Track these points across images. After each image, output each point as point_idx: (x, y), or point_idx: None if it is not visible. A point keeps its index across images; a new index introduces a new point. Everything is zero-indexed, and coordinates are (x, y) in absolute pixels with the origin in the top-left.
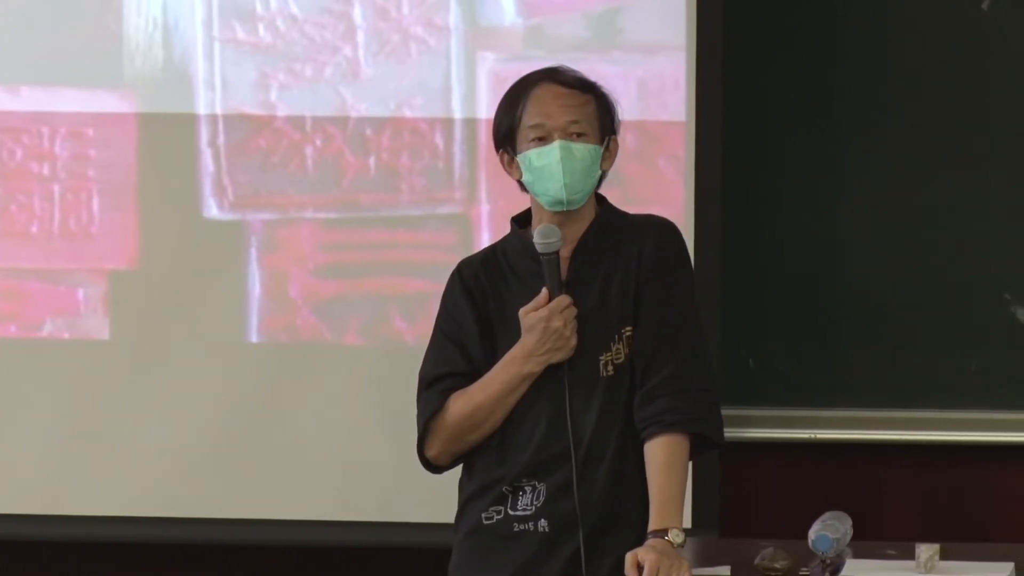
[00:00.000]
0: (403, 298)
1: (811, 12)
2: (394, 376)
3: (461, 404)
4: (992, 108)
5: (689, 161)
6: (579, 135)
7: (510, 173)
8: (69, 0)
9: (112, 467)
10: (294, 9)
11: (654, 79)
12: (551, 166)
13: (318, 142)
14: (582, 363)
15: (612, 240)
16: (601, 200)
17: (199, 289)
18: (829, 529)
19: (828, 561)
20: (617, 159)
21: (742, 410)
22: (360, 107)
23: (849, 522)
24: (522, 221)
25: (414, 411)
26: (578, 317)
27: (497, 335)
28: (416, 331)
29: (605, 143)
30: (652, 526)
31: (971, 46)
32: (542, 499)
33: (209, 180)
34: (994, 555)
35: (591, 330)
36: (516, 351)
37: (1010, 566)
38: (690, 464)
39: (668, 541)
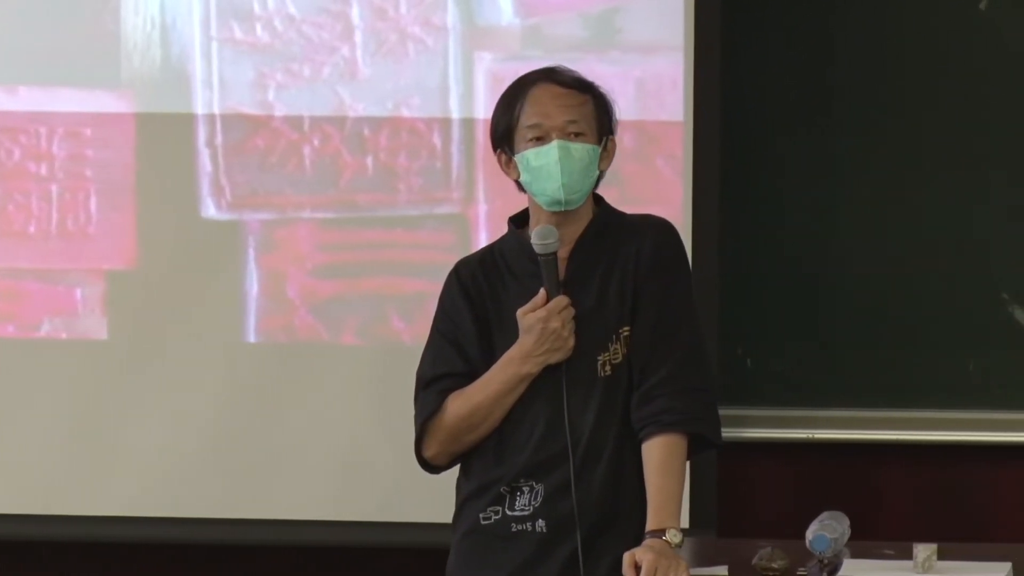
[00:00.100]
0: (401, 298)
1: (809, 12)
2: (392, 376)
3: (459, 405)
4: (990, 108)
5: (687, 161)
6: (577, 135)
7: (507, 173)
8: (67, 0)
9: (110, 467)
10: (292, 9)
11: (652, 79)
12: (549, 166)
13: (316, 142)
14: (580, 363)
15: (610, 240)
16: (598, 200)
17: (197, 289)
18: (827, 529)
19: (826, 561)
20: (615, 159)
21: (740, 410)
22: (358, 107)
23: (847, 522)
24: (519, 221)
25: (412, 411)
26: (576, 317)
27: (495, 335)
28: (414, 331)
29: (603, 143)
30: (650, 526)
31: (969, 46)
32: (540, 499)
33: (207, 180)
34: (992, 555)
35: (589, 330)
36: (514, 351)
37: (1008, 566)
38: (688, 464)
39: (666, 541)
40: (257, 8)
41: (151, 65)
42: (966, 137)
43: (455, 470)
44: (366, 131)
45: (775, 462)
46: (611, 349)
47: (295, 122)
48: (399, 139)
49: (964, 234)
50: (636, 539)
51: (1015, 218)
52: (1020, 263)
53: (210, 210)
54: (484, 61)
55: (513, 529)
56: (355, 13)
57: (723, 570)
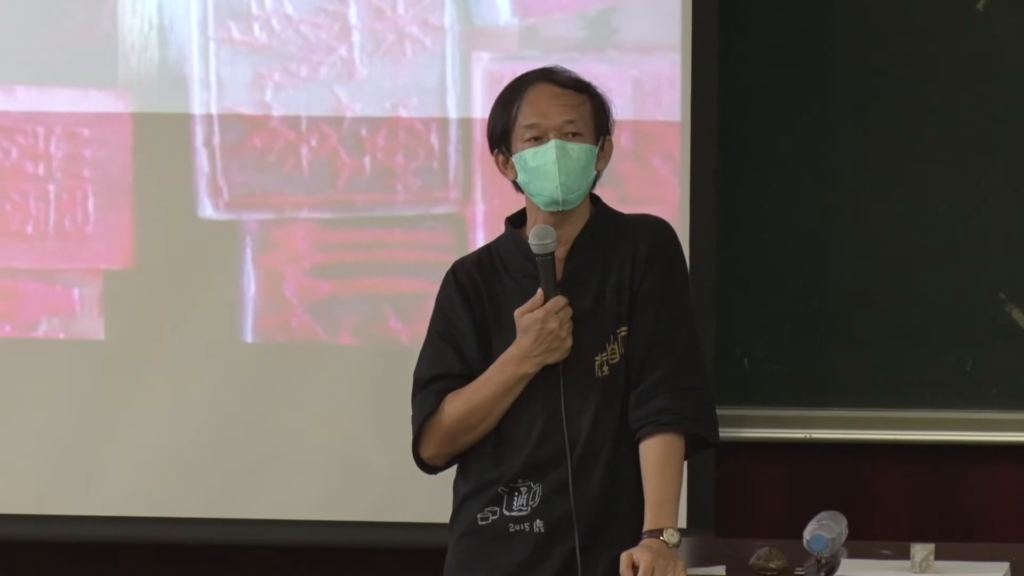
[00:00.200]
0: (398, 298)
1: (806, 12)
2: (389, 376)
3: (456, 405)
4: (988, 108)
5: (684, 161)
6: (575, 135)
7: (505, 173)
8: (64, 0)
9: (107, 467)
10: (289, 9)
11: (649, 79)
12: (547, 166)
13: (313, 142)
14: (577, 364)
15: (607, 240)
16: (595, 200)
17: (194, 289)
18: (824, 529)
19: (823, 561)
20: (612, 159)
21: (737, 410)
22: (355, 107)
23: (844, 522)
24: (516, 221)
25: (409, 411)
26: (573, 318)
27: (492, 336)
28: (411, 331)
29: (600, 143)
30: (647, 526)
31: (966, 46)
32: (538, 500)
33: (204, 180)
34: (989, 555)
35: (586, 330)
36: (512, 352)
37: (1005, 566)
38: (685, 464)
39: (663, 541)
40: (255, 8)
41: (149, 65)
42: (963, 137)
43: (452, 470)
44: (364, 131)
45: (773, 462)
46: (608, 349)
47: (292, 122)
48: (397, 139)
49: (961, 234)
50: (634, 539)
51: (1012, 217)
52: (1017, 263)
53: (207, 210)
54: (482, 61)
55: (511, 529)
56: (353, 13)
57: (721, 570)
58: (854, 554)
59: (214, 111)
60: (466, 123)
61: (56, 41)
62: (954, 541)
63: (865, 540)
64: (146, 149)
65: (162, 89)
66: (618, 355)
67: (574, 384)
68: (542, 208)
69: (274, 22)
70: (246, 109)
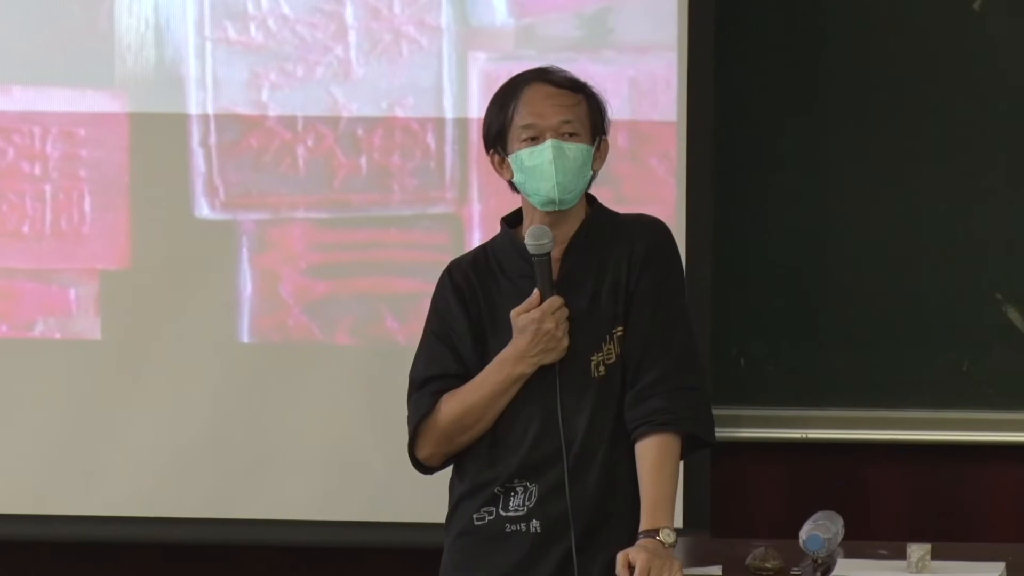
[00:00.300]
0: (394, 298)
1: (801, 12)
2: (385, 376)
3: (452, 405)
4: (985, 108)
5: (680, 161)
6: (571, 135)
7: (500, 173)
8: (61, 0)
9: (103, 467)
10: (285, 9)
11: (645, 79)
12: (543, 165)
13: (309, 142)
14: (573, 364)
15: (603, 240)
16: (591, 200)
17: (190, 289)
18: (820, 529)
19: (819, 561)
20: (609, 159)
21: (734, 410)
22: (351, 107)
23: (840, 522)
24: (512, 221)
25: (405, 411)
26: (569, 318)
27: (488, 336)
28: (407, 331)
29: (596, 143)
30: (643, 526)
31: (962, 47)
32: (534, 500)
33: (200, 180)
34: (985, 555)
35: (582, 331)
36: (508, 352)
37: (1001, 566)
38: (681, 464)
39: (659, 541)
40: (251, 8)
41: (145, 65)
42: (960, 138)
43: (448, 470)
44: (360, 131)
45: (769, 462)
46: (604, 349)
47: (289, 122)
48: (393, 139)
49: (958, 234)
50: (630, 539)
51: (1007, 217)
52: (1014, 263)
53: (204, 210)
54: (478, 61)
55: (507, 529)
56: (349, 13)
57: (717, 570)
58: (850, 554)
59: (210, 111)
60: (462, 123)
61: (52, 41)
62: (951, 541)
63: (861, 540)
64: (142, 149)
65: (158, 89)
66: (614, 355)
67: (570, 384)
68: (538, 208)
69: (270, 22)
70: (242, 109)
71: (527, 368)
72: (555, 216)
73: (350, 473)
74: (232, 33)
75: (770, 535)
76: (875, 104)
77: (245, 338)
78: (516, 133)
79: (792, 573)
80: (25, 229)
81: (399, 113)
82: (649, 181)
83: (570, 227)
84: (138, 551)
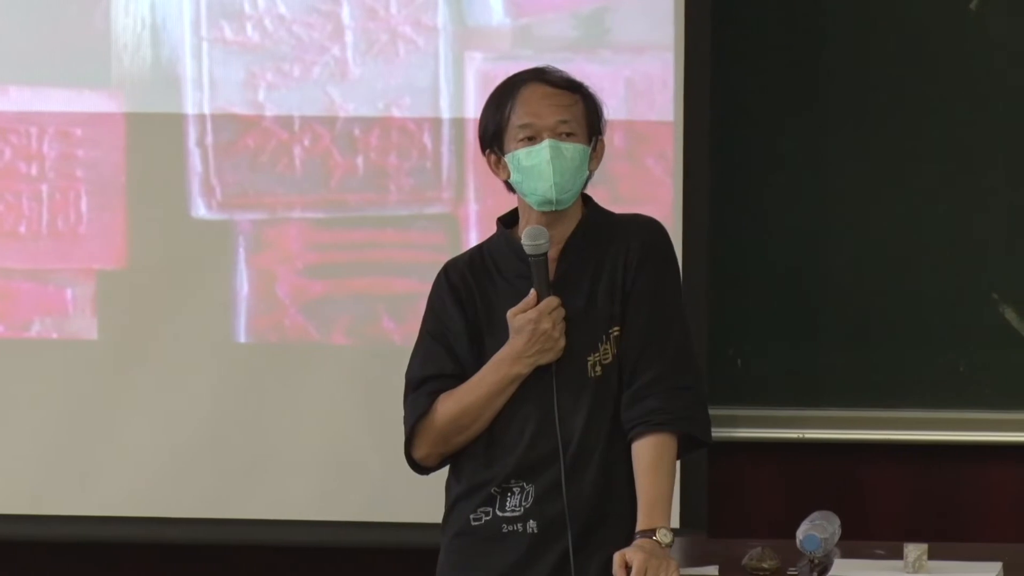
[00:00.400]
0: (391, 298)
1: (799, 12)
2: (382, 376)
3: (449, 406)
4: (982, 108)
5: (677, 161)
6: (568, 135)
7: (497, 173)
8: (57, 0)
9: (100, 467)
10: (282, 9)
11: (642, 79)
12: (540, 165)
13: (306, 142)
14: (570, 364)
15: (599, 240)
16: (587, 200)
17: (187, 289)
18: (817, 529)
19: (816, 561)
20: (605, 158)
21: (730, 410)
22: (348, 107)
23: (837, 522)
24: (508, 221)
25: (401, 411)
26: (566, 318)
27: (484, 336)
28: (404, 331)
29: (592, 143)
30: (640, 526)
31: (959, 46)
32: (531, 500)
33: (197, 180)
34: (982, 555)
35: (579, 331)
36: (505, 352)
37: (998, 566)
38: (678, 464)
39: (656, 541)
40: (247, 8)
41: (141, 65)
42: (957, 138)
43: (445, 470)
44: (356, 131)
45: (766, 462)
46: (601, 349)
47: (285, 122)
48: (389, 139)
49: (954, 234)
50: (627, 539)
51: (1004, 217)
52: (1011, 263)
53: (200, 210)
54: (475, 61)
55: (504, 530)
56: (345, 13)
57: (713, 570)
58: (847, 554)
59: (207, 111)
60: (459, 123)
61: (49, 41)
62: (948, 541)
63: (858, 540)
64: (139, 149)
65: (155, 89)
66: (611, 355)
67: (567, 384)
68: (535, 208)
69: (267, 22)
70: (239, 109)
71: (524, 368)
72: (551, 216)
73: (347, 473)
74: (228, 33)
75: (767, 535)
76: (873, 104)
77: (242, 338)
78: (513, 133)
79: (789, 573)
80: (22, 229)
81: (396, 113)
82: (646, 181)
83: (566, 227)
84: (135, 551)
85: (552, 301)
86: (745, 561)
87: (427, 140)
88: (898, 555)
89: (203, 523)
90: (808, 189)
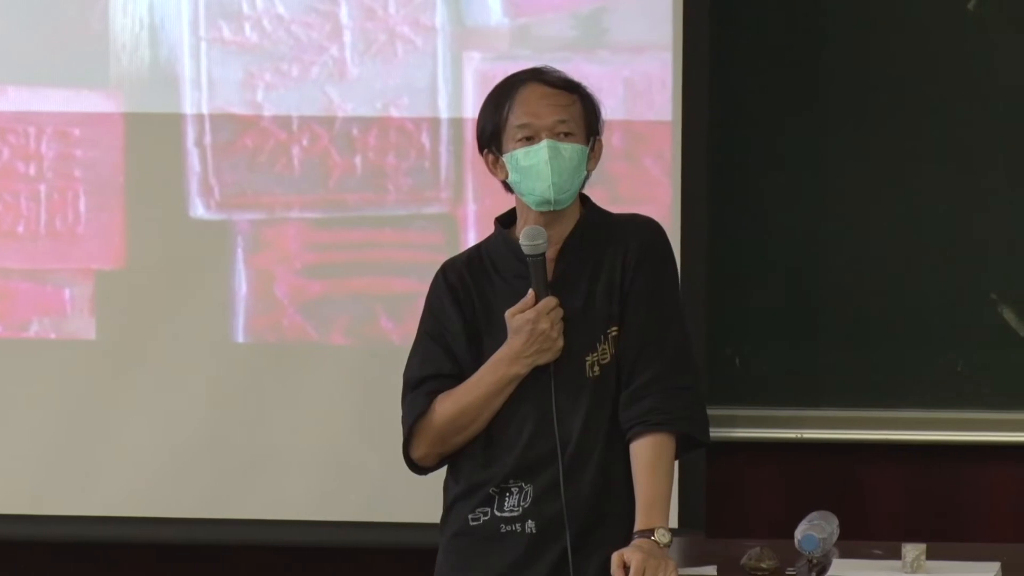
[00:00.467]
0: (389, 298)
1: (797, 13)
2: (380, 376)
3: (447, 406)
4: (980, 108)
5: (675, 161)
6: (566, 135)
7: (495, 173)
8: (56, 0)
9: (98, 467)
10: (280, 9)
11: (640, 79)
12: (539, 166)
13: (304, 142)
14: (568, 364)
15: (597, 240)
16: (585, 200)
17: (185, 289)
18: (816, 529)
19: (814, 561)
20: (604, 158)
21: (728, 410)
22: (346, 107)
23: (836, 522)
24: (506, 221)
25: (400, 411)
26: (564, 318)
27: (482, 336)
28: (402, 331)
29: (590, 143)
30: (638, 526)
31: (957, 46)
32: (529, 500)
33: (195, 180)
34: (980, 555)
35: (577, 331)
36: (503, 352)
37: (996, 566)
38: (676, 464)
39: (654, 541)
40: (246, 8)
41: (140, 65)
42: (955, 138)
43: (443, 470)
44: (355, 131)
45: (764, 462)
46: (599, 349)
47: (284, 122)
48: (388, 139)
49: (953, 234)
50: (625, 539)
51: (1002, 217)
52: (1009, 263)
53: (199, 210)
54: (473, 61)
55: (502, 530)
56: (344, 13)
57: (712, 570)
58: (845, 554)
59: (205, 111)
60: (457, 123)
61: (47, 41)
62: (947, 541)
63: (856, 540)
64: (137, 149)
65: (153, 89)
66: (609, 355)
67: (565, 384)
68: (533, 208)
69: (265, 22)
70: (237, 109)
71: (522, 368)
72: (549, 216)
73: (345, 473)
74: (227, 33)
75: (765, 535)
76: (870, 103)
77: (240, 338)
78: (511, 133)
79: (787, 573)
80: (20, 229)
81: (394, 113)
82: (644, 181)
83: (564, 227)
84: (133, 551)
85: (550, 301)
86: (743, 561)
87: (425, 140)
88: (896, 555)
89: (202, 523)
90: (807, 189)
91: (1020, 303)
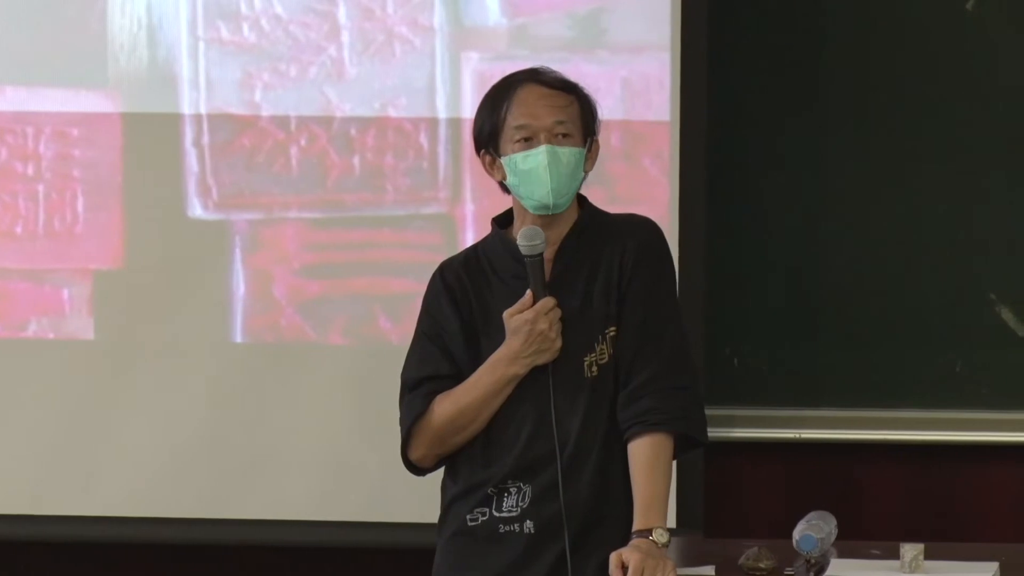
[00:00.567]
0: (387, 298)
1: (796, 12)
2: (378, 376)
3: (446, 407)
4: (977, 107)
5: (673, 161)
6: (565, 136)
7: (491, 174)
8: (54, 0)
9: (96, 467)
10: (278, 9)
11: (639, 79)
12: (538, 170)
13: (303, 142)
14: (566, 364)
15: (594, 241)
16: (582, 201)
17: (184, 289)
18: (814, 529)
19: (813, 561)
20: (602, 158)
21: (727, 410)
22: (345, 107)
23: (834, 522)
24: (502, 222)
25: (398, 411)
26: (562, 319)
27: (480, 337)
28: (400, 331)
29: (588, 144)
30: (636, 526)
31: (956, 46)
32: (527, 500)
33: (193, 180)
34: (979, 555)
35: (575, 331)
36: (501, 353)
37: (994, 566)
38: (674, 463)
39: (652, 541)
40: (244, 8)
41: (138, 65)
42: (953, 138)
43: (440, 470)
44: (353, 131)
45: (762, 462)
46: (597, 350)
47: (282, 122)
48: (386, 139)
49: (952, 234)
50: (624, 539)
51: (1000, 217)
52: (1008, 263)
53: (197, 210)
54: (471, 61)
55: (501, 530)
56: (342, 13)
57: (710, 570)
58: (844, 554)
59: (203, 111)
60: (455, 123)
61: (45, 41)
62: (946, 541)
63: (854, 540)
64: (135, 149)
65: (151, 89)
66: (607, 355)
67: (563, 385)
68: (532, 211)
69: (263, 22)
70: (235, 109)
71: (520, 369)
72: (547, 217)
73: (344, 473)
74: (225, 33)
75: (764, 535)
76: (869, 103)
77: (238, 338)
78: (509, 134)
79: (785, 573)
80: (18, 229)
81: (392, 113)
82: (642, 181)
83: (562, 228)
84: (133, 551)
85: (548, 302)
86: (742, 561)
87: (423, 140)
88: (894, 555)
89: (200, 523)
90: (805, 189)
91: (1019, 303)
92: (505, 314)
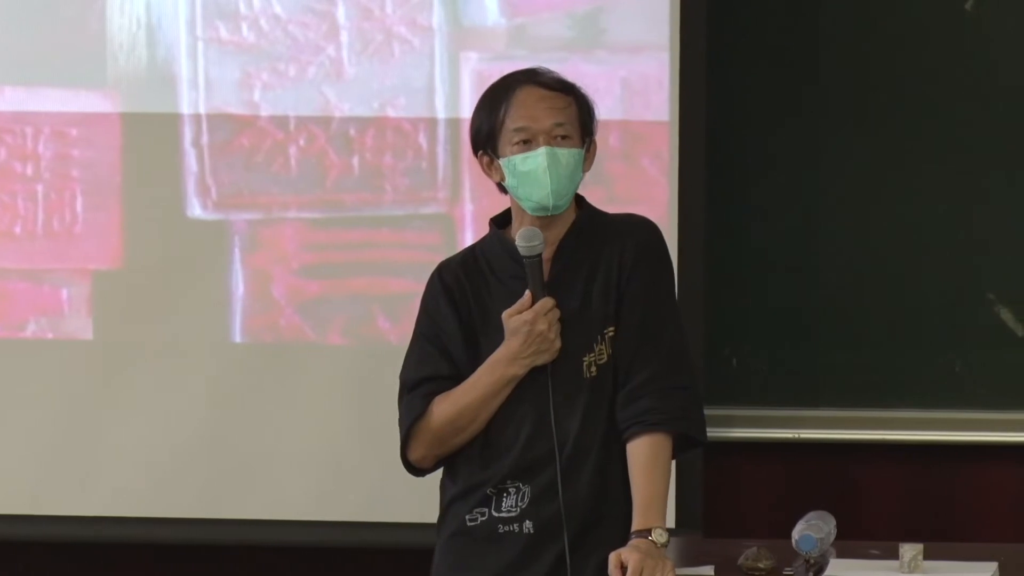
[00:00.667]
0: (386, 298)
1: (795, 12)
2: (377, 376)
3: (445, 407)
4: (977, 107)
5: (673, 161)
6: (564, 137)
7: (489, 175)
8: (52, 0)
9: (95, 467)
10: (277, 9)
11: (638, 79)
12: (537, 172)
13: (301, 142)
14: (565, 365)
15: (593, 241)
16: (580, 201)
17: (182, 289)
18: (813, 529)
19: (812, 561)
20: (601, 158)
21: (726, 410)
22: (343, 107)
23: (833, 522)
24: (500, 222)
25: (397, 411)
26: (561, 319)
27: (479, 337)
28: (399, 331)
29: (586, 145)
30: (635, 526)
31: (955, 46)
32: (527, 501)
33: (192, 180)
34: (978, 555)
35: (574, 331)
36: (500, 354)
37: (993, 566)
38: (673, 463)
39: (652, 541)
40: (243, 8)
41: (137, 65)
42: (953, 138)
43: (439, 470)
44: (352, 131)
45: (761, 462)
46: (596, 350)
47: (281, 122)
48: (385, 139)
49: (950, 234)
50: (623, 539)
51: (999, 217)
52: (1007, 263)
53: (196, 210)
54: (470, 61)
55: (500, 531)
56: (341, 13)
57: (709, 570)
58: (843, 554)
59: (202, 111)
60: (454, 123)
61: (44, 41)
62: (944, 541)
63: (853, 540)
64: (134, 149)
65: (150, 89)
66: (606, 356)
67: (562, 385)
68: (530, 213)
69: (262, 22)
70: (234, 109)
71: (520, 369)
72: (545, 218)
73: (343, 473)
74: (224, 33)
75: (763, 535)
76: (867, 103)
77: (237, 338)
78: (508, 136)
79: (784, 573)
80: (17, 229)
81: (391, 113)
82: (641, 181)
83: (560, 228)
84: (131, 551)
85: (547, 302)
86: (741, 561)
87: (422, 140)
88: (894, 555)
89: (199, 523)
90: (804, 189)
91: (1018, 303)
92: (504, 315)
